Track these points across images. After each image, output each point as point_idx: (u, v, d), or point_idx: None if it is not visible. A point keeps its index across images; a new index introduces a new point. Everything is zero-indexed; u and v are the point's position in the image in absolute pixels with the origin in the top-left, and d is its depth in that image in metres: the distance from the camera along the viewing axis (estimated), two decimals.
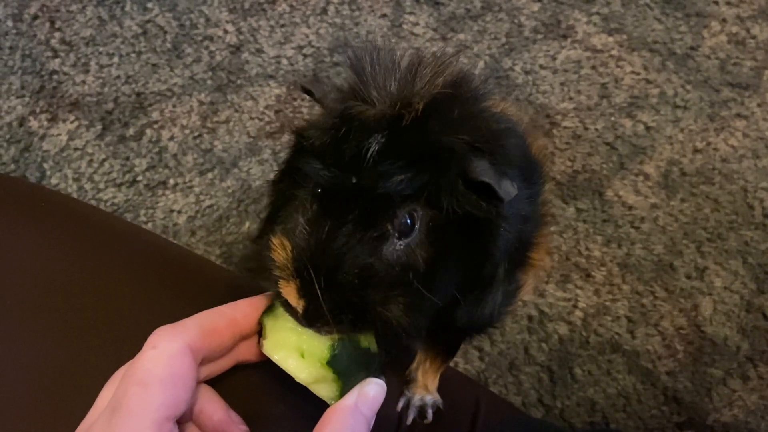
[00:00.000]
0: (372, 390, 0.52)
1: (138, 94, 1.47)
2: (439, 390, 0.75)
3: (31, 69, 1.50)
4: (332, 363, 0.52)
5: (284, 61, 1.51)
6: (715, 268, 1.29)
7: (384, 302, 0.48)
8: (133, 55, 1.51)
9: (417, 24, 1.55)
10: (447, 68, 0.51)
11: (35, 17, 1.55)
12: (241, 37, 1.53)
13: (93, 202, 1.36)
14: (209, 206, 1.36)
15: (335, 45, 1.52)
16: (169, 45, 1.52)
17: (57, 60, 1.51)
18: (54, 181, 1.38)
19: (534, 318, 1.25)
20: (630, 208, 1.35)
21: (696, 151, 1.40)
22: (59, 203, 0.76)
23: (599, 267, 1.29)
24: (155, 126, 1.44)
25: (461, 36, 1.53)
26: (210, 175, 1.39)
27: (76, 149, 1.41)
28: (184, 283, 0.70)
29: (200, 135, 1.43)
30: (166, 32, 1.54)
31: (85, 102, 1.46)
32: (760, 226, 1.33)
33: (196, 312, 0.54)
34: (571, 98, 1.46)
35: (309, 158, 0.49)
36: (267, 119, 1.45)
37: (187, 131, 1.43)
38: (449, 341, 0.71)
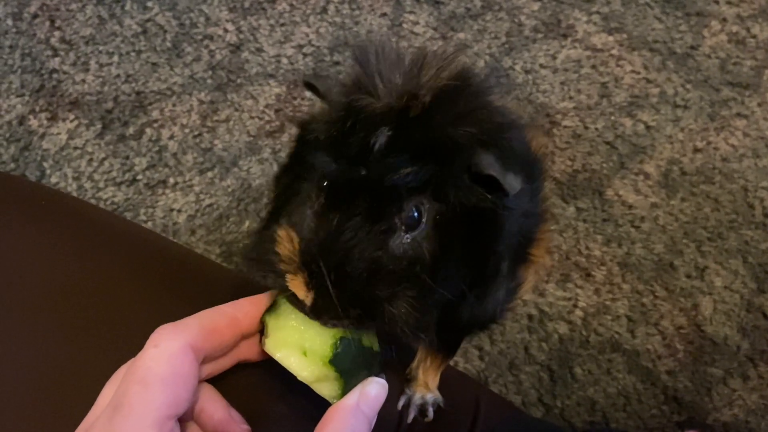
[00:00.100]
0: (374, 389, 0.52)
1: (138, 93, 1.47)
2: (440, 389, 0.75)
3: (31, 68, 1.49)
4: (334, 361, 0.52)
5: (284, 60, 1.51)
6: (716, 268, 1.29)
7: (392, 297, 0.48)
8: (132, 54, 1.51)
9: (417, 23, 1.55)
10: (451, 63, 0.51)
11: (35, 16, 1.55)
12: (241, 36, 1.53)
13: (93, 201, 1.35)
14: (209, 205, 1.36)
15: (335, 44, 1.52)
16: (169, 44, 1.52)
17: (57, 59, 1.50)
18: (54, 179, 1.38)
19: (534, 317, 1.25)
20: (630, 207, 1.35)
21: (696, 150, 1.40)
22: (59, 202, 0.76)
23: (599, 266, 1.29)
24: (155, 125, 1.44)
25: (461, 35, 1.53)
26: (210, 174, 1.39)
27: (75, 148, 1.41)
28: (184, 282, 0.69)
29: (200, 134, 1.43)
30: (166, 31, 1.53)
31: (85, 101, 1.46)
32: (761, 226, 1.33)
33: (197, 311, 0.54)
34: (571, 97, 1.46)
35: (316, 151, 0.49)
36: (267, 118, 1.44)
37: (187, 130, 1.43)
38: (450, 339, 0.71)
